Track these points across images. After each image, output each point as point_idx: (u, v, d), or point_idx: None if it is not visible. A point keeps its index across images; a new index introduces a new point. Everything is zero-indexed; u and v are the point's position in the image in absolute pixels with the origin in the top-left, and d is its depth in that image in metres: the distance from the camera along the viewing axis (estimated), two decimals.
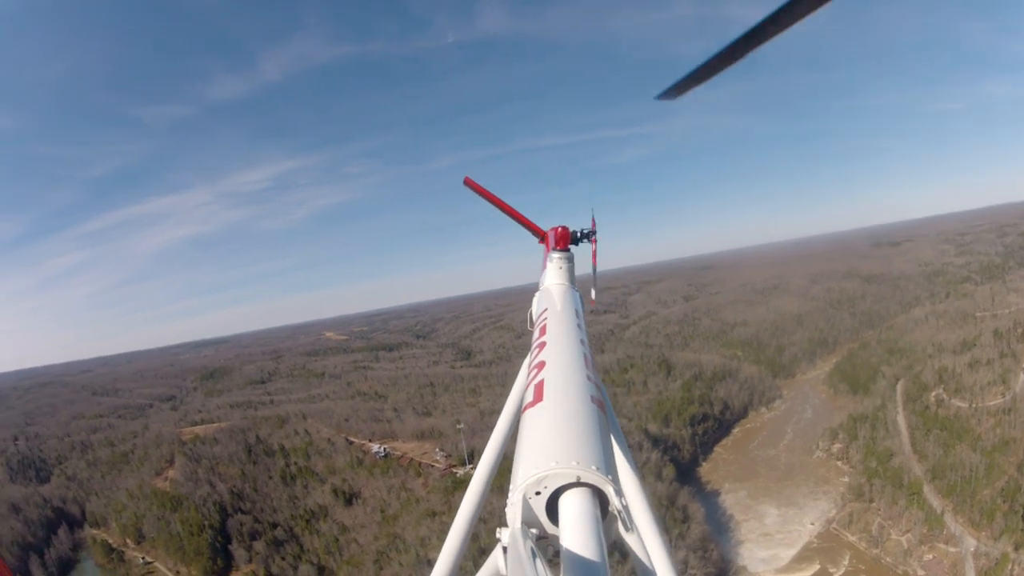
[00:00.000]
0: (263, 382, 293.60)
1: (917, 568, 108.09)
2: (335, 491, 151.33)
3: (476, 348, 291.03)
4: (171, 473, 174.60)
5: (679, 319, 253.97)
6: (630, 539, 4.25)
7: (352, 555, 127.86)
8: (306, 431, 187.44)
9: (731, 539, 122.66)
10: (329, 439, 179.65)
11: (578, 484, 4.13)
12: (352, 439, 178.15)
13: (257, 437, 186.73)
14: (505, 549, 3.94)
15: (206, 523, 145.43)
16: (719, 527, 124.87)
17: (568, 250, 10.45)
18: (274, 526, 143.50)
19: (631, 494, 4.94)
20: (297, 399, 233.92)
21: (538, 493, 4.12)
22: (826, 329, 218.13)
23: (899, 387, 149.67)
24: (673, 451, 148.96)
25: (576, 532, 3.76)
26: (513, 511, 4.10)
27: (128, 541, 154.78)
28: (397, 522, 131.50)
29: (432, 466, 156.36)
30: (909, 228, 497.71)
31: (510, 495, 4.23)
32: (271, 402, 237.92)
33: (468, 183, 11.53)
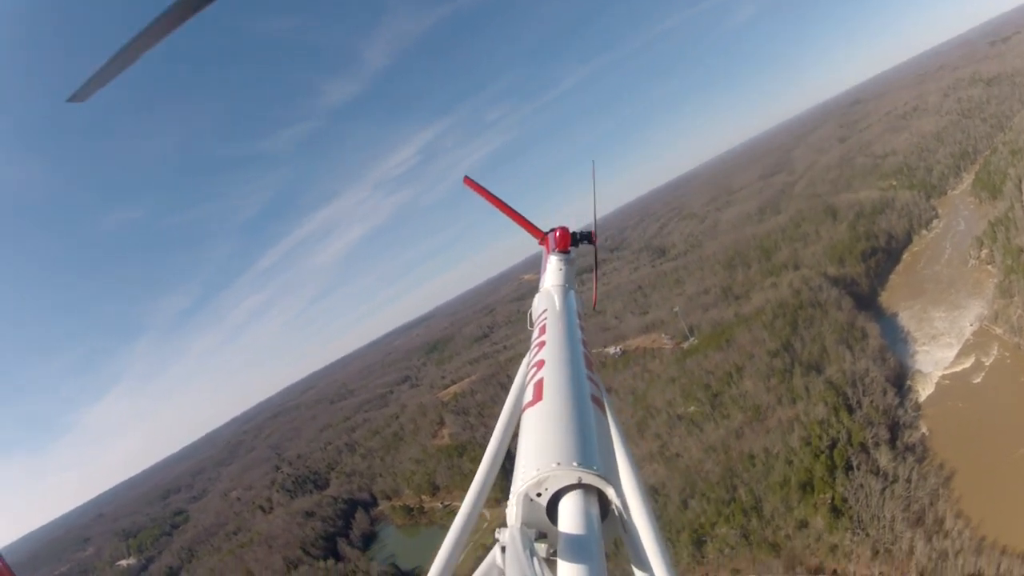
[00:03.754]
0: (486, 336, 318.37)
1: None
2: None
3: (668, 243, 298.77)
4: (445, 431, 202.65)
5: (837, 164, 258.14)
6: (630, 541, 4.56)
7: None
8: None
9: (905, 348, 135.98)
10: None
11: (579, 485, 4.41)
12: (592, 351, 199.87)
13: (508, 376, 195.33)
14: (504, 549, 4.10)
15: None
16: (895, 340, 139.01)
17: (568, 252, 10.95)
18: None
19: (631, 494, 4.91)
20: (525, 338, 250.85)
21: (539, 495, 4.42)
22: (964, 141, 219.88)
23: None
24: (852, 287, 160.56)
25: (576, 532, 4.01)
26: (512, 511, 4.44)
27: (423, 497, 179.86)
28: (646, 397, 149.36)
29: (662, 348, 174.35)
30: (1019, 19, 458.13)
31: (511, 495, 4.55)
32: (504, 348, 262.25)
33: (468, 183, 12.74)
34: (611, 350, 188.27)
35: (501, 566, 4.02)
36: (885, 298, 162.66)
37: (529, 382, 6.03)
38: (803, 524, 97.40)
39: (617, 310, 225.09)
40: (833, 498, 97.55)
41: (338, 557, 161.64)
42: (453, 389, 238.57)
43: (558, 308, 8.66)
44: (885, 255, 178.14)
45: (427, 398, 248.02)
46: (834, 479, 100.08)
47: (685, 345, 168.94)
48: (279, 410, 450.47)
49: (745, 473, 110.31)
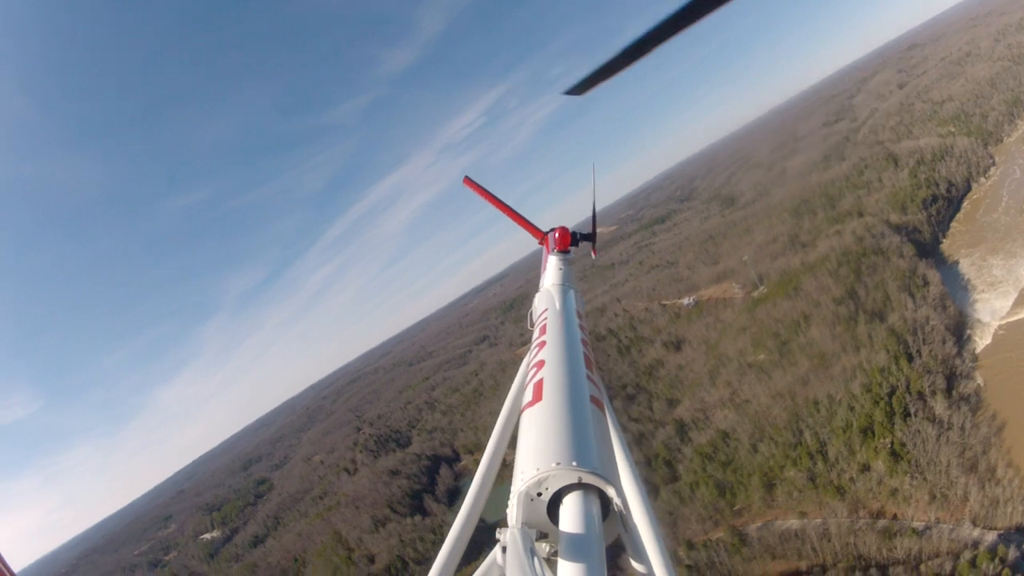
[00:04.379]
0: None
1: None
2: (664, 344, 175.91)
3: (736, 192, 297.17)
4: None
5: (897, 110, 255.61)
6: (630, 540, 4.75)
7: (691, 382, 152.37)
8: (624, 310, 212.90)
9: (965, 296, 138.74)
10: (645, 308, 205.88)
11: (579, 485, 4.54)
12: (664, 302, 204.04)
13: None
14: (504, 549, 4.13)
15: None
16: (955, 288, 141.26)
17: (568, 252, 11.23)
18: (623, 387, 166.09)
19: (631, 494, 5.02)
20: (601, 292, 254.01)
21: (539, 495, 4.56)
22: (1016, 88, 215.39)
23: None
24: (914, 234, 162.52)
25: (576, 532, 4.16)
26: (513, 511, 4.56)
27: (505, 450, 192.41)
28: (719, 347, 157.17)
29: (733, 298, 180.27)
30: None
31: (511, 495, 4.69)
32: None
33: (467, 183, 13.07)
34: (685, 301, 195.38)
35: (502, 566, 4.13)
36: (946, 246, 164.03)
37: (529, 382, 6.27)
38: (865, 467, 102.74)
39: (689, 261, 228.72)
40: (892, 443, 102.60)
41: (424, 512, 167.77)
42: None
43: (558, 308, 8.78)
44: (945, 202, 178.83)
45: (506, 355, 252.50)
46: (893, 425, 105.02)
47: (755, 294, 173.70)
48: (357, 375, 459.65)
49: (810, 418, 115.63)
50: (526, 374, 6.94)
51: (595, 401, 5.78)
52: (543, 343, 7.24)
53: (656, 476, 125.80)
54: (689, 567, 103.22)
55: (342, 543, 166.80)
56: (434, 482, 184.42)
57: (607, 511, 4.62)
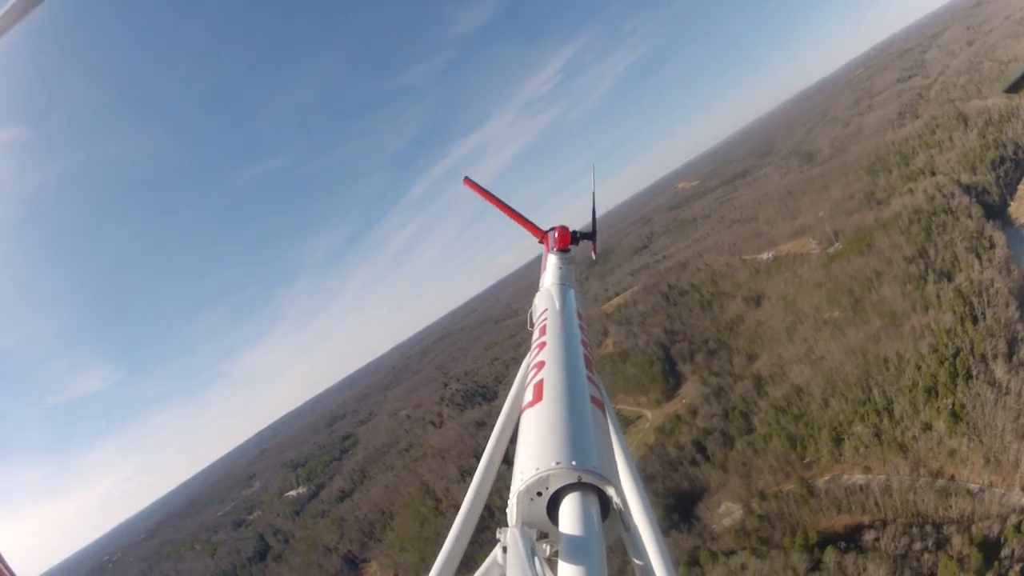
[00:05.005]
0: (645, 247, 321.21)
1: None
2: (744, 299, 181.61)
3: (815, 149, 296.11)
4: (609, 340, 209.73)
5: (966, 68, 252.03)
6: (630, 540, 4.56)
7: (769, 338, 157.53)
8: (706, 265, 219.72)
9: None
10: (726, 263, 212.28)
11: (579, 485, 4.38)
12: (744, 257, 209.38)
13: (668, 285, 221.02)
14: (505, 549, 3.98)
15: (653, 358, 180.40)
16: (1021, 251, 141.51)
17: (568, 251, 10.82)
18: (705, 341, 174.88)
19: (631, 494, 4.93)
20: (684, 247, 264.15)
21: (539, 494, 4.40)
22: None
23: None
24: (982, 196, 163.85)
25: (576, 532, 4.00)
26: (512, 511, 4.38)
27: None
28: (796, 303, 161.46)
29: (809, 254, 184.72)
30: None
31: (511, 495, 4.50)
32: (663, 258, 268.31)
33: (467, 183, 12.81)
34: (764, 256, 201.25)
35: (502, 565, 3.99)
36: (1013, 208, 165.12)
37: (529, 383, 6.09)
38: (927, 427, 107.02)
39: (769, 216, 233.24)
40: (953, 404, 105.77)
41: (510, 463, 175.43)
42: (616, 301, 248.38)
43: (558, 308, 8.45)
44: (1013, 164, 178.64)
45: (591, 311, 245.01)
46: (955, 386, 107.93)
47: (831, 250, 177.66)
48: (443, 334, 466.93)
49: (879, 375, 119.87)
50: (526, 374, 6.69)
51: (595, 401, 5.69)
52: (543, 343, 7.00)
53: (732, 428, 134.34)
54: (761, 517, 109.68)
55: (429, 494, 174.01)
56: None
57: (607, 511, 4.49)
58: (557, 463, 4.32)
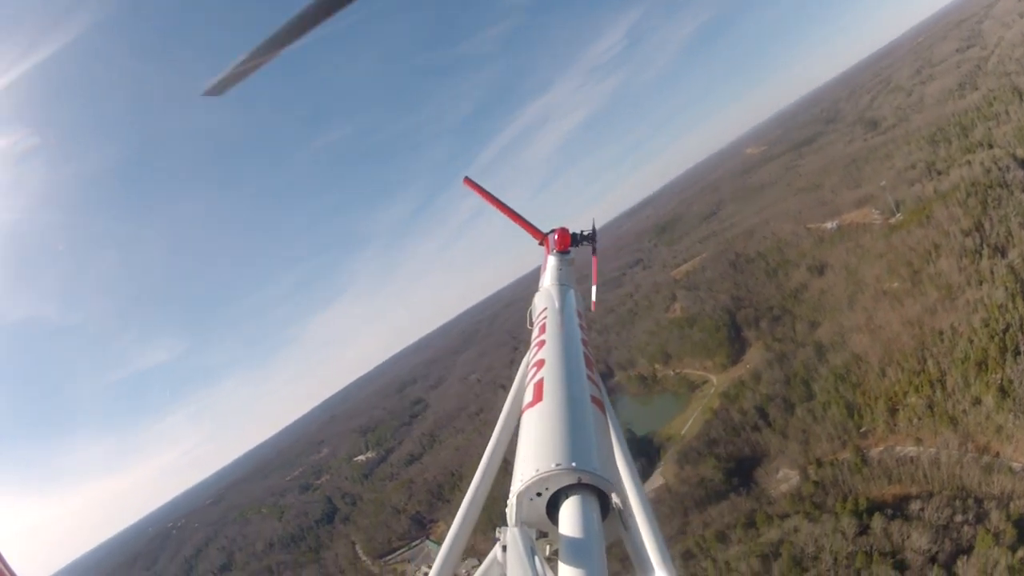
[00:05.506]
0: (714, 214, 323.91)
1: None
2: (808, 268, 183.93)
3: (878, 116, 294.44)
4: (677, 305, 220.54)
5: (1020, 40, 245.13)
6: (630, 539, 4.61)
7: (831, 306, 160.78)
8: (772, 233, 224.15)
9: None
10: (792, 231, 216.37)
11: (579, 485, 4.54)
12: (809, 226, 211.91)
13: (735, 253, 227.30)
14: (504, 548, 4.13)
15: (720, 324, 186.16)
16: None
17: (568, 252, 11.08)
18: (770, 308, 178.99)
19: (631, 494, 4.94)
20: (751, 213, 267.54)
21: (539, 494, 4.56)
22: None
23: None
24: None
25: (576, 532, 4.14)
26: (512, 511, 4.53)
27: (656, 366, 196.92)
28: (857, 272, 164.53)
29: (872, 223, 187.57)
30: None
31: (510, 495, 4.66)
32: (731, 225, 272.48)
33: (467, 183, 12.86)
34: (828, 225, 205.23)
35: (502, 564, 4.13)
36: None
37: (529, 383, 6.25)
38: (977, 401, 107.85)
39: (833, 184, 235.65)
40: (1002, 379, 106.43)
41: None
42: (684, 267, 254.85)
43: (557, 307, 8.72)
44: None
45: (660, 277, 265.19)
46: (1004, 361, 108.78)
47: (892, 221, 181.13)
48: (513, 299, 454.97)
49: (934, 347, 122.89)
50: (526, 374, 6.83)
51: (595, 401, 5.85)
52: (542, 343, 7.21)
53: (793, 394, 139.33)
54: (816, 483, 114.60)
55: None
56: None
57: (607, 511, 4.66)
58: (557, 464, 4.57)
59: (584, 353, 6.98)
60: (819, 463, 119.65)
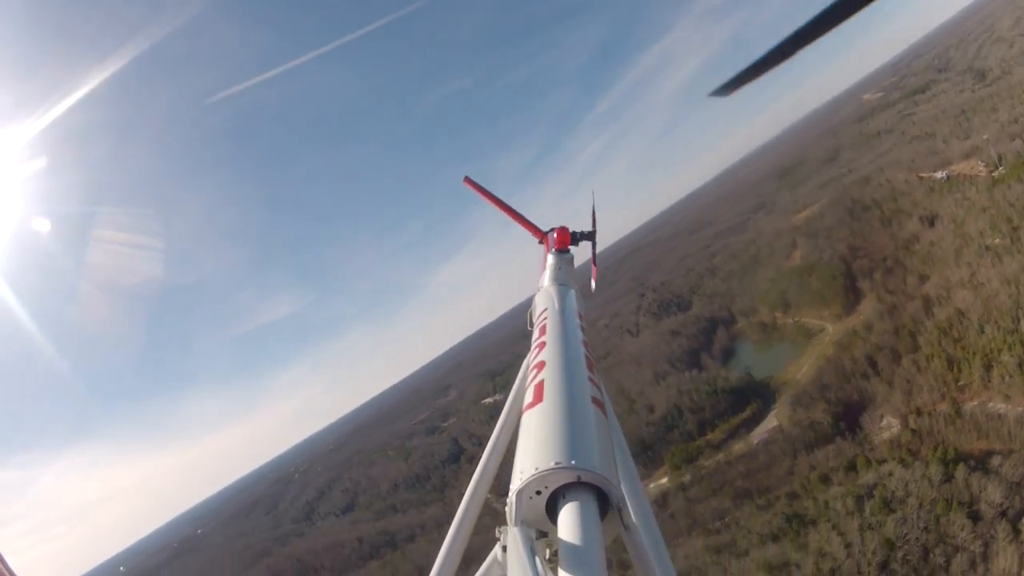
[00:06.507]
0: (833, 159, 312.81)
1: None
2: (920, 219, 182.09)
3: (986, 67, 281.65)
4: (797, 252, 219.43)
5: None
6: (630, 539, 4.35)
7: (939, 259, 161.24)
8: (887, 181, 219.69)
9: None
10: (905, 180, 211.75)
11: (578, 484, 4.23)
12: (921, 175, 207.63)
13: (852, 200, 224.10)
14: (504, 548, 4.00)
15: (836, 273, 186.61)
16: None
17: (568, 251, 10.80)
18: (883, 259, 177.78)
19: (631, 494, 4.82)
20: (868, 161, 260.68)
21: (538, 493, 4.25)
22: None
23: None
24: None
25: (576, 531, 3.84)
26: (512, 510, 4.24)
27: (776, 314, 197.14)
28: (964, 225, 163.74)
29: (977, 176, 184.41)
30: None
31: (510, 494, 4.35)
32: (848, 171, 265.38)
33: (468, 183, 12.78)
34: (938, 175, 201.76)
35: (502, 564, 4.07)
36: None
37: (529, 384, 5.92)
38: None
39: (945, 134, 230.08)
40: None
41: (700, 368, 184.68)
42: (805, 214, 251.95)
43: (558, 307, 8.25)
44: None
45: (781, 223, 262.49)
46: None
47: (995, 174, 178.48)
48: (637, 246, 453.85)
49: None
50: (526, 375, 6.56)
51: (596, 402, 5.47)
52: (543, 343, 6.85)
53: (901, 345, 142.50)
54: (913, 431, 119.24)
55: (624, 395, 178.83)
56: (711, 341, 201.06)
57: (607, 511, 4.27)
58: (556, 462, 4.28)
59: (585, 354, 6.68)
60: (919, 412, 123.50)
